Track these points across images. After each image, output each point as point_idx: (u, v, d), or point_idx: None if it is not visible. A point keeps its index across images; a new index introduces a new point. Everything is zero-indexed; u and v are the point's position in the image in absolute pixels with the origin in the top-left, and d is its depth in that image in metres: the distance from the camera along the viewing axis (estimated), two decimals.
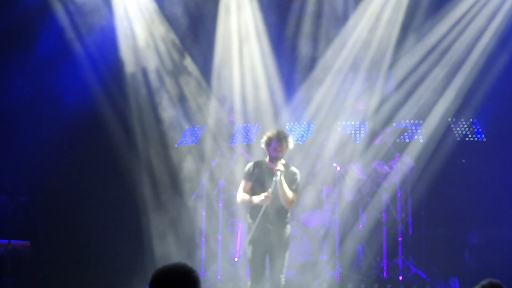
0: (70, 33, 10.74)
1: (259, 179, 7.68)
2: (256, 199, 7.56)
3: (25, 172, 10.71)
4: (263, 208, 7.49)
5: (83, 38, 10.80)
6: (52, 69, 10.93)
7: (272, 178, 7.55)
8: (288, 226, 7.78)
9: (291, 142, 7.66)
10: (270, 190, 7.47)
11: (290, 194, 7.58)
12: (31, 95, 10.90)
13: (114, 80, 11.04)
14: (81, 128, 10.99)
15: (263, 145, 7.68)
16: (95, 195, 11.03)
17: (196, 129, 11.45)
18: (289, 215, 7.89)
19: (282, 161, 7.54)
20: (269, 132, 7.66)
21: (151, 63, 11.11)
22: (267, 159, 7.62)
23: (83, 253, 10.72)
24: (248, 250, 7.78)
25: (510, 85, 10.68)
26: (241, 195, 7.70)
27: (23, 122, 10.82)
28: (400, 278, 10.04)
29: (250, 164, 7.83)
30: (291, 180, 7.66)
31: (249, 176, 7.73)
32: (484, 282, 3.53)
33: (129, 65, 10.97)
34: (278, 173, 7.49)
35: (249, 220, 7.69)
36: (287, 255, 7.74)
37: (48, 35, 10.80)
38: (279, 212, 7.64)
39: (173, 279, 3.33)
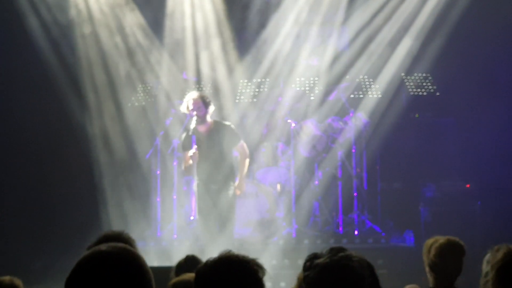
0: None
1: (196, 144, 7.93)
2: (187, 160, 7.94)
3: None
4: (195, 167, 7.90)
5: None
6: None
7: (205, 138, 7.94)
8: (232, 186, 8.01)
9: (204, 99, 8.00)
10: (194, 147, 7.84)
11: (246, 163, 8.16)
12: None
13: (63, 37, 10.77)
14: (32, 87, 10.73)
15: (184, 111, 8.05)
16: (47, 157, 10.82)
17: (149, 86, 11.28)
18: (234, 173, 8.13)
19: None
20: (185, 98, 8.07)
21: (100, 19, 10.84)
22: (193, 122, 7.90)
23: (37, 214, 10.55)
24: (197, 211, 8.03)
25: (463, 39, 10.70)
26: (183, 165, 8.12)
27: None
28: (356, 232, 10.14)
29: (182, 136, 8.21)
30: (229, 135, 8.03)
31: (185, 145, 8.05)
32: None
33: (78, 18, 10.72)
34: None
35: (196, 181, 7.98)
36: (234, 214, 8.03)
37: None
38: (219, 170, 7.92)
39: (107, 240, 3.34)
